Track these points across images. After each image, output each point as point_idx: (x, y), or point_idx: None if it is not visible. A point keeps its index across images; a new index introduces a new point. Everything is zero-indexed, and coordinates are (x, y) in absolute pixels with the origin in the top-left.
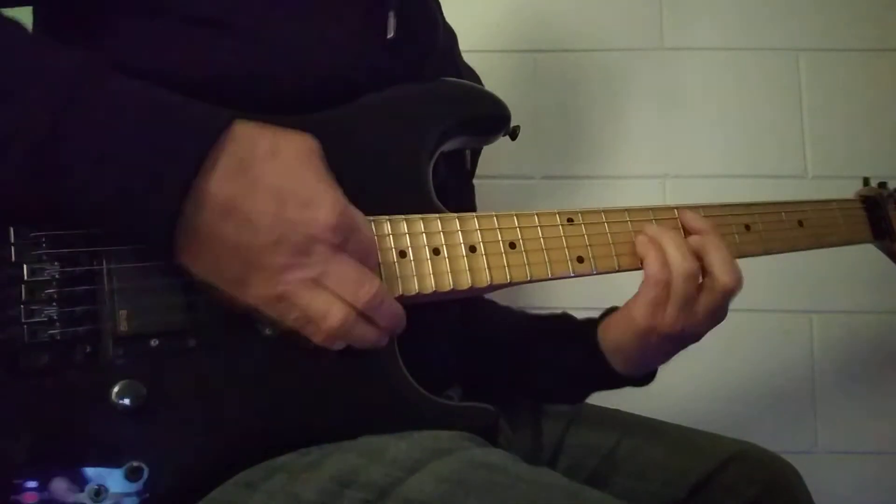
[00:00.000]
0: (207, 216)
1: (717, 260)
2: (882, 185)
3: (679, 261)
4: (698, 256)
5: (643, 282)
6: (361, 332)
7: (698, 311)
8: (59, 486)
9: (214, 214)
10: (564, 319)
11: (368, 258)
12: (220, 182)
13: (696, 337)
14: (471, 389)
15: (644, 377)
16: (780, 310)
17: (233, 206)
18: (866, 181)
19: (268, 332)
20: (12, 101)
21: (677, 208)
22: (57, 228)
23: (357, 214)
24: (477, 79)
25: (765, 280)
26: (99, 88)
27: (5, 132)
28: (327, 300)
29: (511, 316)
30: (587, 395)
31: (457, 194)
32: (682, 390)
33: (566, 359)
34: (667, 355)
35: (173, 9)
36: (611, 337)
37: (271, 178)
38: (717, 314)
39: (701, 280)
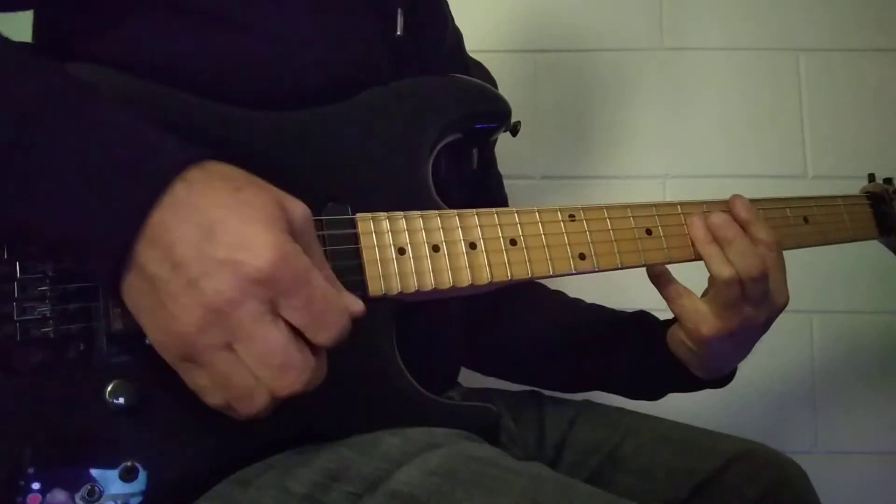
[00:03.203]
0: (140, 242)
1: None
2: (888, 180)
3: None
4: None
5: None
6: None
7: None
8: (53, 486)
9: (144, 240)
10: (643, 320)
11: (323, 324)
12: (163, 208)
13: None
14: (546, 379)
15: (721, 379)
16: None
17: (163, 231)
18: (871, 177)
19: None
20: None
21: (681, 204)
22: None
23: (311, 268)
24: (486, 73)
25: None
26: (64, 113)
27: None
28: (246, 377)
29: (589, 311)
30: (665, 394)
31: (459, 192)
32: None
33: (649, 361)
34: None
35: (180, 4)
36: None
37: (213, 209)
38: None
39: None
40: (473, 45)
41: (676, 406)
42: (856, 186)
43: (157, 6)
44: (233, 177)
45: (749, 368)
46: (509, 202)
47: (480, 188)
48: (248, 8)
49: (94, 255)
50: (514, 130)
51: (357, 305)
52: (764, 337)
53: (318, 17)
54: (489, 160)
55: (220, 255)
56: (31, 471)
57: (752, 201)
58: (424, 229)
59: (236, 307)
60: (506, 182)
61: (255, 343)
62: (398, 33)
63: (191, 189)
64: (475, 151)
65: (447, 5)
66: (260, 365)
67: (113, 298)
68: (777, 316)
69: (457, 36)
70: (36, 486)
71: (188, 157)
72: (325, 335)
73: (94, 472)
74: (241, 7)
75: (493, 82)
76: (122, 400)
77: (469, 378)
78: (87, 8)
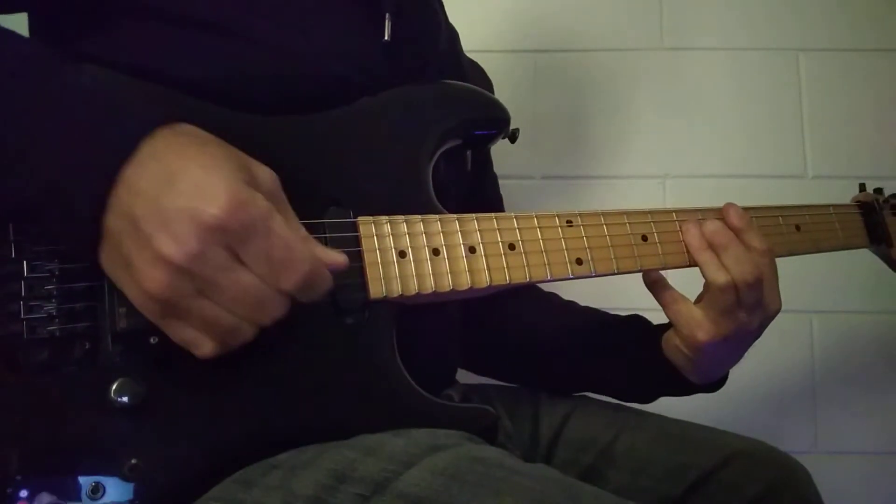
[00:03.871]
0: (109, 206)
1: (754, 238)
2: (878, 190)
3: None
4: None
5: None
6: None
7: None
8: (57, 483)
9: (112, 203)
10: (637, 324)
11: (283, 271)
12: (130, 166)
13: (769, 318)
14: (531, 379)
15: (714, 383)
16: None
17: (126, 192)
18: (862, 186)
19: None
20: None
21: (676, 212)
22: None
23: (272, 215)
24: (482, 73)
25: None
26: (32, 79)
27: None
28: (228, 317)
29: (583, 313)
30: (657, 397)
31: (456, 193)
32: None
33: (643, 365)
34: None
35: (169, 10)
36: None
37: (175, 160)
38: (770, 286)
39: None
40: (473, 44)
41: (674, 405)
42: (855, 187)
43: (155, 15)
44: (201, 135)
45: (749, 368)
46: (510, 203)
47: (477, 189)
48: (249, 18)
49: (69, 226)
50: (513, 137)
51: (336, 257)
52: (763, 337)
53: (317, 26)
54: (485, 161)
55: (178, 204)
56: (18, 477)
57: (745, 209)
58: (425, 233)
59: (197, 260)
60: (505, 183)
61: (224, 290)
62: (385, 38)
63: (155, 146)
64: (468, 153)
65: (441, 7)
66: (237, 306)
67: (98, 270)
68: (770, 322)
69: (452, 38)
70: (24, 493)
71: (156, 119)
72: (286, 282)
73: (88, 469)
74: (242, 17)
75: (489, 83)
76: (126, 398)
77: (464, 376)
78: (83, 15)
